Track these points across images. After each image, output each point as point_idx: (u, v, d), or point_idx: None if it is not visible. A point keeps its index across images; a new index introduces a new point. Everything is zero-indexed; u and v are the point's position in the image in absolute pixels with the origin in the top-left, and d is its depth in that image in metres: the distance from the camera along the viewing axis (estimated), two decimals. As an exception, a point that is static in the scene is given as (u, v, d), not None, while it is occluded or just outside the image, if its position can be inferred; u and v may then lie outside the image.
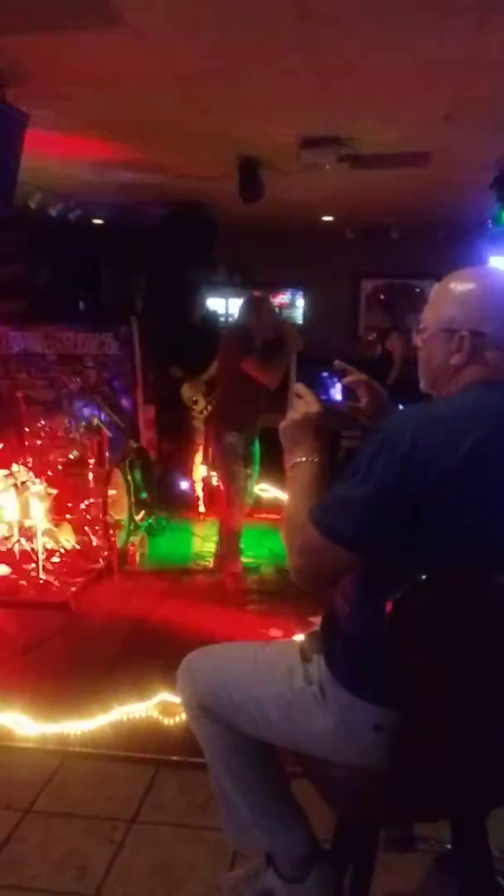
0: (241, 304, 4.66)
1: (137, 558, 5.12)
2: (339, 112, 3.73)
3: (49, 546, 4.87)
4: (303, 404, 1.71)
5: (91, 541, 5.08)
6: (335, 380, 1.75)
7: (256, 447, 4.77)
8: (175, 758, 2.92)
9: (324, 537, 1.54)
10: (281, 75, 3.20)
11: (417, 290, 8.29)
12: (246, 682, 1.76)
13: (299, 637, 1.86)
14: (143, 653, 3.84)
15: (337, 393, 1.74)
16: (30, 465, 4.94)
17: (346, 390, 1.77)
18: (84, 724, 3.17)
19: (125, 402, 6.22)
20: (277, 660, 1.77)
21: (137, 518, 5.41)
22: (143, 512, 5.54)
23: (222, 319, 7.55)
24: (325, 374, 1.75)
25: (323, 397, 1.71)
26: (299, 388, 1.72)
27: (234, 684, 1.78)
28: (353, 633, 1.64)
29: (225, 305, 8.02)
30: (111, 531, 5.00)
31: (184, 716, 3.05)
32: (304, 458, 1.67)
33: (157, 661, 3.61)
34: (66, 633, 4.19)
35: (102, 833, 2.57)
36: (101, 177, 5.27)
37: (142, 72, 3.21)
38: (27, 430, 5.24)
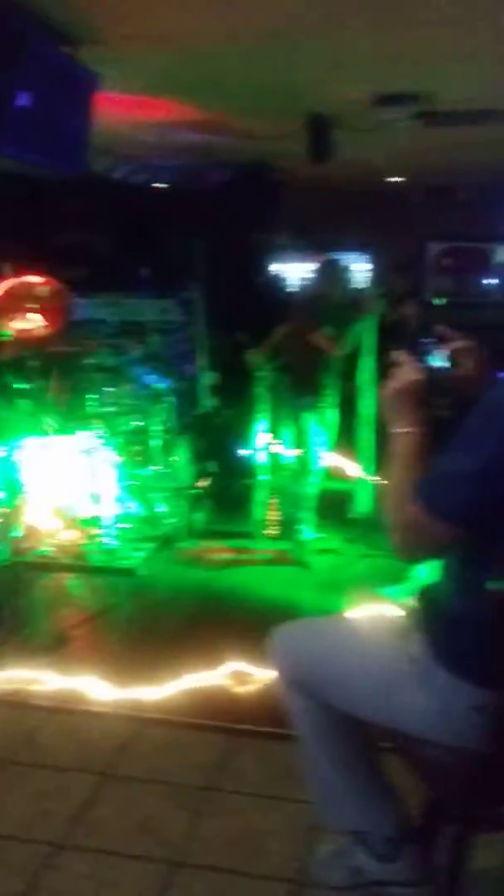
0: (315, 269, 4.57)
1: (202, 525, 5.11)
2: (418, 67, 3.58)
3: (116, 512, 4.90)
4: (404, 372, 1.64)
5: (157, 507, 5.09)
6: (435, 346, 1.67)
7: (332, 414, 4.70)
8: (251, 727, 2.92)
9: (429, 513, 1.48)
10: (361, 29, 3.07)
11: (486, 253, 8.04)
12: (343, 659, 1.73)
13: (386, 609, 1.81)
14: (210, 621, 3.86)
15: (438, 360, 1.67)
16: (97, 431, 4.96)
17: (446, 356, 1.69)
18: (156, 691, 3.20)
19: (188, 369, 6.19)
20: (374, 637, 1.72)
21: (201, 485, 5.40)
22: (207, 479, 5.52)
23: (286, 284, 7.44)
24: (423, 340, 1.67)
25: (424, 365, 1.64)
26: (399, 354, 1.64)
27: (330, 661, 1.75)
28: (455, 612, 1.59)
29: (289, 269, 7.90)
30: (176, 498, 5.00)
31: (256, 685, 3.09)
32: (406, 429, 1.60)
33: (225, 629, 3.64)
34: (133, 600, 4.22)
35: (179, 800, 2.59)
36: (167, 139, 5.21)
37: (216, 28, 3.12)
38: (93, 396, 5.25)
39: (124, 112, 4.44)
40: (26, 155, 3.23)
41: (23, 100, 3.10)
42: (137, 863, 2.32)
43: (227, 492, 5.70)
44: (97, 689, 3.24)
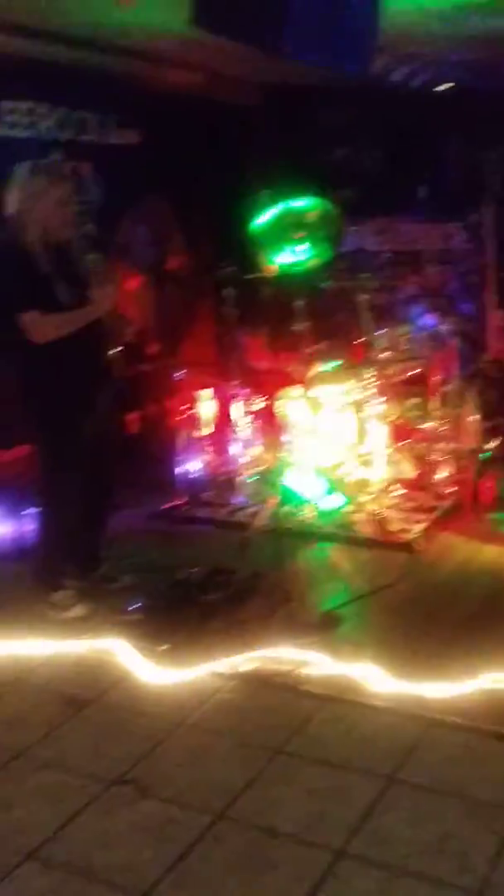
0: None
1: (494, 495, 4.91)
2: None
3: (389, 477, 4.85)
4: None
5: (436, 473, 4.97)
6: None
7: None
8: None
9: None
10: None
11: None
12: None
13: None
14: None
15: None
16: (367, 381, 4.92)
17: None
18: (446, 689, 3.12)
19: (474, 307, 5.96)
20: None
21: (492, 446, 5.18)
22: (499, 438, 5.29)
23: None
24: None
25: None
26: None
27: None
28: None
29: None
30: (461, 462, 4.85)
31: None
32: None
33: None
34: (412, 579, 4.16)
35: (484, 820, 2.50)
36: (459, 27, 4.95)
37: None
38: (362, 341, 5.21)
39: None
40: (307, 55, 3.20)
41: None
42: (436, 889, 2.27)
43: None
44: (375, 679, 3.22)
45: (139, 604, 3.84)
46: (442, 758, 2.81)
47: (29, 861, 2.43)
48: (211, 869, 2.37)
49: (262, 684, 3.28)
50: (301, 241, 4.80)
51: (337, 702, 3.15)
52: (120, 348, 3.82)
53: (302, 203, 4.83)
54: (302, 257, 4.85)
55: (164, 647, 3.51)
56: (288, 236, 4.80)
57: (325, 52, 3.34)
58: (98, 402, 3.87)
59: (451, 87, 6.54)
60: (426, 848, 2.42)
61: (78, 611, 3.85)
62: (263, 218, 4.88)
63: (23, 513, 4.56)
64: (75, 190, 3.71)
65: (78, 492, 3.90)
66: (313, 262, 4.97)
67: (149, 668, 3.39)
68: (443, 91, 6.55)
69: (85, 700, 3.23)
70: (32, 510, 4.26)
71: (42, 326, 3.60)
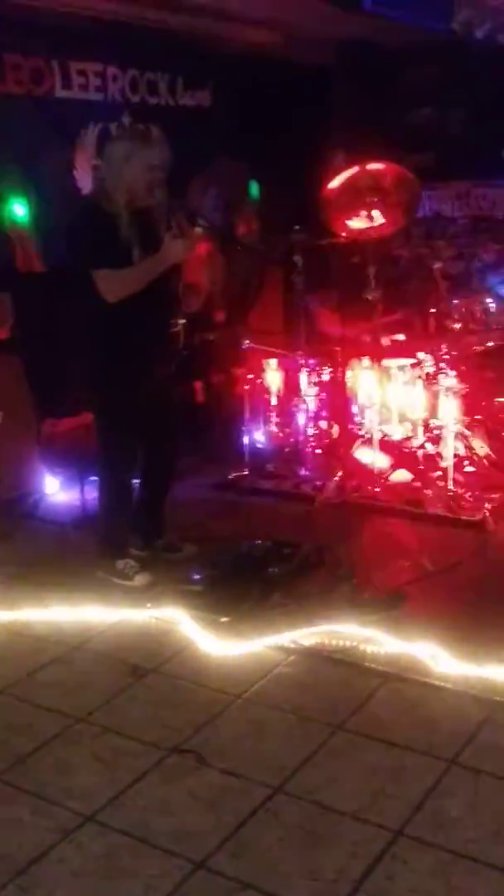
0: None
1: None
2: None
3: (460, 452, 4.80)
4: None
5: (510, 449, 4.91)
6: None
7: None
8: None
9: None
10: None
11: None
12: None
13: None
14: None
15: None
16: (440, 353, 4.86)
17: None
18: (514, 672, 3.10)
19: None
20: None
21: None
22: None
23: None
24: None
25: None
26: None
27: None
28: None
29: None
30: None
31: None
32: None
33: None
34: (483, 558, 4.13)
35: (547, 809, 2.49)
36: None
37: None
38: (435, 311, 5.15)
39: None
40: (390, 11, 3.16)
41: None
42: (494, 873, 2.28)
43: None
44: (439, 659, 3.22)
45: (201, 574, 3.89)
46: (505, 742, 2.80)
47: (88, 824, 2.51)
48: (267, 841, 2.41)
49: (323, 660, 3.31)
50: (375, 206, 4.73)
51: (399, 680, 3.16)
52: (184, 320, 3.85)
53: (377, 166, 4.76)
54: (376, 223, 4.78)
55: (226, 618, 3.56)
56: (362, 201, 4.73)
57: (406, 7, 3.29)
58: (159, 369, 3.91)
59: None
60: (486, 833, 2.42)
61: (140, 579, 3.92)
62: (337, 181, 4.82)
63: (87, 481, 4.66)
64: (161, 153, 3.68)
65: (136, 457, 3.96)
66: (387, 228, 4.91)
67: (210, 640, 3.44)
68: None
69: (146, 668, 3.30)
70: (95, 478, 4.34)
71: (113, 282, 3.64)
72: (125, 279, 3.66)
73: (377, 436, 4.83)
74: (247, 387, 5.31)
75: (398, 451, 4.89)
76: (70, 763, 2.80)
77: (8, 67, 5.07)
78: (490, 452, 4.89)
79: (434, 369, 4.86)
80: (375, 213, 4.74)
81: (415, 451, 4.87)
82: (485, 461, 4.84)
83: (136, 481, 4.11)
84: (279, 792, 2.61)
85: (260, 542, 4.05)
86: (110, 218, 3.65)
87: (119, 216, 3.65)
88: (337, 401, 5.18)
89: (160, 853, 2.39)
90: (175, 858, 2.36)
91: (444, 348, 4.85)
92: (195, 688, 3.18)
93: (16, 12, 4.77)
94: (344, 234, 4.95)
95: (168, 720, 2.99)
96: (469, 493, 4.61)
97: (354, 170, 4.76)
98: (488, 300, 5.17)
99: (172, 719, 2.99)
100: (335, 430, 5.21)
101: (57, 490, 5.00)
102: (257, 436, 5.38)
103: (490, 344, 5.03)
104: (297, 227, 5.14)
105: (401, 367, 4.93)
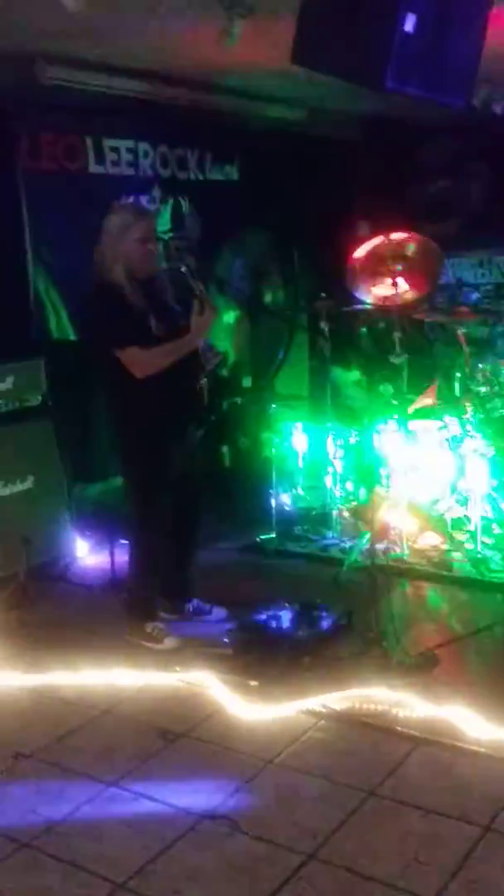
0: None
1: None
2: None
3: (487, 514, 4.78)
4: None
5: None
6: None
7: None
8: None
9: None
10: None
11: None
12: None
13: None
14: None
15: None
16: (467, 416, 4.88)
17: None
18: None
19: None
20: None
21: None
22: None
23: None
24: None
25: None
26: None
27: None
28: None
29: None
30: None
31: None
32: None
33: None
34: (512, 621, 4.09)
35: None
36: None
37: None
38: (460, 375, 5.18)
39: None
40: (409, 88, 3.25)
41: (408, 23, 3.12)
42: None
43: None
44: (471, 723, 3.18)
45: (230, 638, 3.88)
46: (542, 809, 2.75)
47: (118, 892, 2.47)
48: (301, 910, 2.38)
49: (354, 724, 3.28)
50: (400, 273, 4.81)
51: (432, 745, 3.12)
52: (204, 380, 3.90)
53: (401, 235, 4.84)
54: (400, 290, 4.85)
55: (255, 682, 3.53)
56: (387, 269, 4.81)
57: (426, 86, 3.38)
58: (188, 433, 3.96)
59: None
60: (525, 902, 2.37)
61: (169, 643, 3.91)
62: (363, 250, 4.91)
63: (116, 544, 4.68)
64: (155, 226, 3.79)
65: (167, 523, 3.98)
66: (412, 295, 4.98)
67: (240, 704, 3.42)
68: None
69: (176, 733, 3.28)
70: (124, 542, 4.36)
71: (143, 361, 3.70)
72: (154, 358, 3.71)
73: (405, 498, 4.83)
74: (273, 450, 5.33)
75: (426, 514, 4.88)
76: (100, 829, 2.77)
77: (43, 144, 5.24)
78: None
79: (461, 432, 4.87)
80: (400, 280, 4.81)
81: (443, 514, 4.86)
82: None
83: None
84: (312, 859, 2.58)
85: (288, 605, 4.04)
86: (117, 289, 3.72)
87: (123, 286, 3.73)
88: (365, 464, 5.19)
89: (193, 921, 2.35)
90: (208, 927, 2.33)
91: (469, 411, 4.87)
92: (226, 752, 3.16)
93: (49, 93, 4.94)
94: (370, 302, 5.02)
95: (199, 785, 2.96)
96: (497, 556, 4.58)
97: (380, 239, 4.84)
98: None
99: (203, 784, 2.96)
100: (363, 492, 5.20)
101: (87, 553, 5.02)
102: (284, 498, 5.39)
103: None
104: (323, 294, 5.22)
105: (428, 430, 4.94)
